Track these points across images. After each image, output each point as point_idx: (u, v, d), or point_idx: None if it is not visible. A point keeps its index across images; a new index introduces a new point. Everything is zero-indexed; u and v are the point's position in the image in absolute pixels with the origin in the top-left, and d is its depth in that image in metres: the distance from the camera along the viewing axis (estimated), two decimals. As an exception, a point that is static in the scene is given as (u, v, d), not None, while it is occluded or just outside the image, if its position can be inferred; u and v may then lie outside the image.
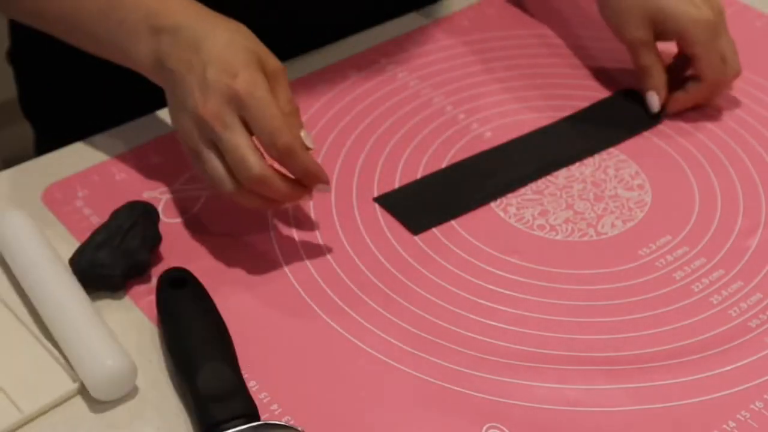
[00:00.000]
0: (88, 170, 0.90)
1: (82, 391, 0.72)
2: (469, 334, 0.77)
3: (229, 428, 0.69)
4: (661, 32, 0.96)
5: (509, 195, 0.88)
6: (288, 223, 0.85)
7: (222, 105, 0.75)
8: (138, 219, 0.80)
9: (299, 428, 0.71)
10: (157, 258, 0.81)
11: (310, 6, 1.03)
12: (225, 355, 0.73)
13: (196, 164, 0.79)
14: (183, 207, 0.86)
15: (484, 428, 0.71)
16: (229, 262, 0.82)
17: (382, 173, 0.90)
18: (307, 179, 0.78)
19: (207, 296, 0.77)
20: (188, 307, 0.76)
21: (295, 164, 0.76)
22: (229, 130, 0.75)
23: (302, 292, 0.80)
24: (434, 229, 0.85)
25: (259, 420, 0.70)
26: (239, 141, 0.75)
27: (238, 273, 0.81)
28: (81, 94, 1.07)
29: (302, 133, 0.77)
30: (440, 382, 0.74)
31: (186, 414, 0.71)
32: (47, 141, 1.06)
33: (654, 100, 0.96)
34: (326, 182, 0.78)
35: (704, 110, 0.97)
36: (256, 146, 0.76)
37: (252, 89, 0.75)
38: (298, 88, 0.98)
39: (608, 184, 0.90)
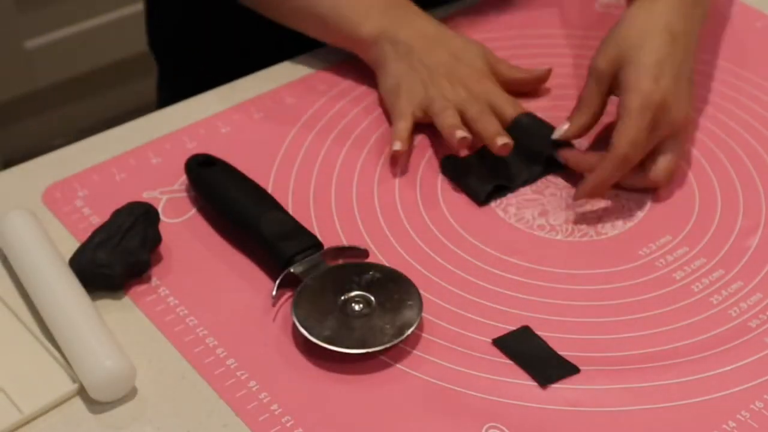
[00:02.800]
0: (88, 170, 0.90)
1: (82, 391, 0.72)
2: (469, 333, 0.77)
3: (300, 260, 0.79)
4: (615, 82, 0.89)
5: (509, 195, 0.88)
6: (288, 223, 0.85)
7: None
8: (138, 219, 0.80)
9: (361, 247, 0.81)
10: (157, 258, 0.81)
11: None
12: (276, 204, 0.83)
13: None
14: (183, 207, 0.86)
15: (484, 428, 0.71)
16: (229, 262, 0.82)
17: (382, 173, 0.90)
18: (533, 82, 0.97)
19: (236, 169, 0.86)
20: (227, 177, 0.85)
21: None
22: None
23: (302, 292, 0.80)
24: (434, 230, 0.85)
25: (323, 248, 0.80)
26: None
27: (239, 273, 0.81)
28: (208, 36, 1.14)
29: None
30: (440, 382, 0.74)
31: (184, 415, 0.71)
32: (168, 78, 1.20)
33: (560, 130, 0.89)
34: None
35: (704, 111, 0.97)
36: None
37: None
38: (298, 88, 0.98)
39: (608, 184, 0.89)
